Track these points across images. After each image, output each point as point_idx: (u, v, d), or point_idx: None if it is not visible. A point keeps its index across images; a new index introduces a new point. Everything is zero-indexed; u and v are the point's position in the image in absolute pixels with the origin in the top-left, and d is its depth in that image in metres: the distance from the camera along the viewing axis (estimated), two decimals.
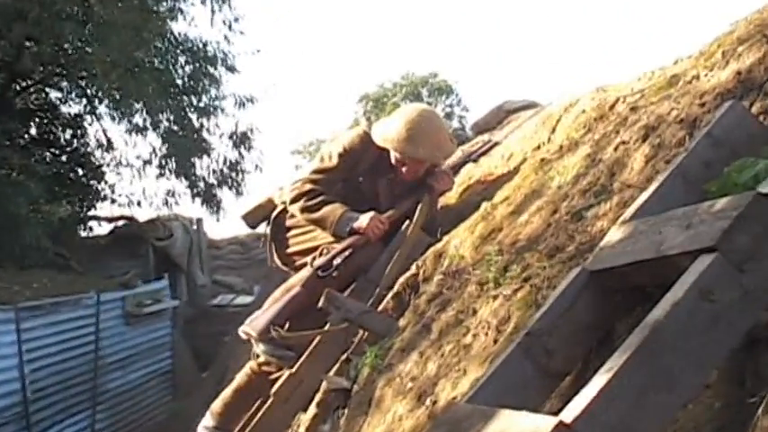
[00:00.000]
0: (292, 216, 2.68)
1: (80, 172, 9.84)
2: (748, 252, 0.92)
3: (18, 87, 9.12)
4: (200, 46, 9.46)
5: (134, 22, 7.68)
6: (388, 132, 2.52)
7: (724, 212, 0.96)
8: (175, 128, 9.51)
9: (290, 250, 2.70)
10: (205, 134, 9.93)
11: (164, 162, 9.75)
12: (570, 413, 0.83)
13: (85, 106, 9.72)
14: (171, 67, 9.26)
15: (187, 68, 9.49)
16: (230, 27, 9.55)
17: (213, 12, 9.29)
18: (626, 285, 1.18)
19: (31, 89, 9.46)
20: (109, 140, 9.90)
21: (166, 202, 10.08)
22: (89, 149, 10.02)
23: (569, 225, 1.59)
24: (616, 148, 1.73)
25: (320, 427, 2.15)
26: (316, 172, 2.63)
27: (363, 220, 2.47)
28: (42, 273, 7.12)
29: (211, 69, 9.59)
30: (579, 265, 1.26)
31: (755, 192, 0.97)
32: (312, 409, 2.21)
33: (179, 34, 9.36)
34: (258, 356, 2.50)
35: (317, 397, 2.20)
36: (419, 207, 2.54)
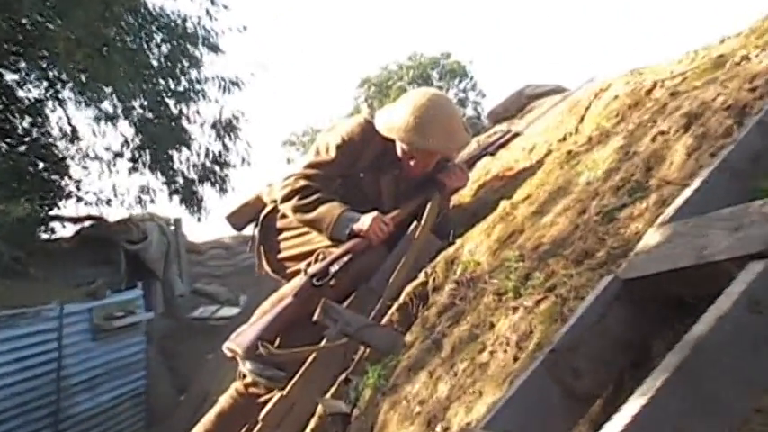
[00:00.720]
0: (284, 216, 2.69)
1: (41, 165, 9.83)
2: None
3: None
4: (179, 22, 9.46)
5: None
6: (393, 121, 2.53)
7: None
8: (150, 115, 9.55)
9: (281, 255, 2.72)
10: (184, 122, 9.96)
11: (137, 154, 9.81)
12: None
13: (47, 90, 9.72)
14: (145, 46, 9.24)
15: (163, 48, 9.48)
16: (213, 0, 9.57)
17: None
18: (663, 296, 1.18)
19: None
20: (74, 130, 9.92)
21: (140, 201, 10.14)
22: (51, 140, 10.01)
23: (599, 227, 1.60)
24: (653, 139, 1.73)
25: None
26: (310, 166, 2.64)
27: (365, 221, 2.48)
28: None
29: (191, 49, 9.59)
30: (611, 272, 1.27)
31: None
32: None
33: (154, 8, 9.35)
34: (244, 376, 2.51)
35: (312, 422, 2.21)
36: (428, 206, 2.55)
